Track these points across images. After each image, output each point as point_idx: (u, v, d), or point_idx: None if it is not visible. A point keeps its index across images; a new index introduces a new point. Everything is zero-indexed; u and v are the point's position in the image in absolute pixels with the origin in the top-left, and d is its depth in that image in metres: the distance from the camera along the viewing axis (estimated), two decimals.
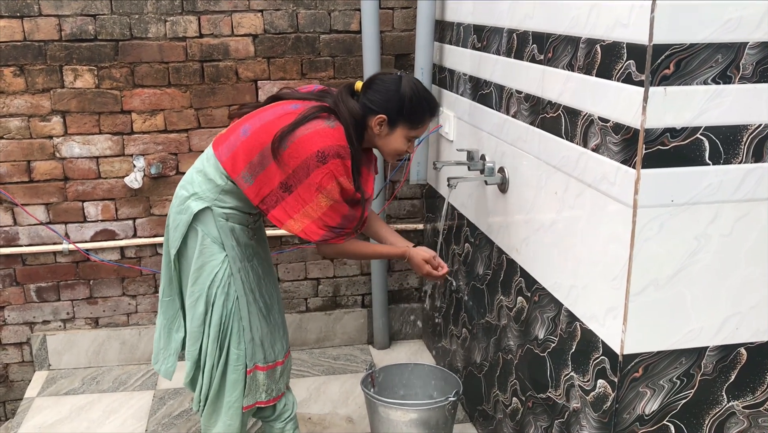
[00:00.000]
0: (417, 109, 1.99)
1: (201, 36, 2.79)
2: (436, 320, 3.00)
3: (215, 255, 2.06)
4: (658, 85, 1.40)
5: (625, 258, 1.52)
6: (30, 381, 3.00)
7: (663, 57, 1.39)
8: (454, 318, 2.76)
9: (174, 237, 2.10)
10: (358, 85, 2.03)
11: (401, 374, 2.54)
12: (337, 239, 2.03)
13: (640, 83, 1.42)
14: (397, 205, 3.13)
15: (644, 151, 1.44)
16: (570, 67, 1.70)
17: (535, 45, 1.89)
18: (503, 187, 2.14)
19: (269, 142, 1.93)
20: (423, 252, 2.13)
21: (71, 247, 2.90)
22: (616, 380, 1.59)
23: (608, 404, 1.63)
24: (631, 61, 1.45)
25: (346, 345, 3.25)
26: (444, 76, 2.70)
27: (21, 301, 2.96)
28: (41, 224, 2.88)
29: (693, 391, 1.60)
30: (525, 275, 2.04)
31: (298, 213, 1.97)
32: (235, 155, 1.99)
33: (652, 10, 1.36)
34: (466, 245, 2.54)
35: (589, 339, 1.69)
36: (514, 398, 2.19)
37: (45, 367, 3.04)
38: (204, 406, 2.18)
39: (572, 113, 1.70)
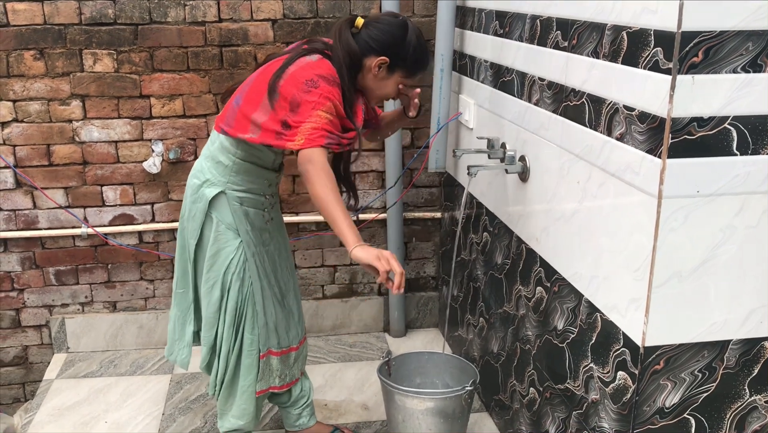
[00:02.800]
0: (419, 59, 1.98)
1: (220, 20, 2.78)
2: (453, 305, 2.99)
3: (230, 241, 2.06)
4: (686, 73, 1.37)
5: (648, 249, 1.50)
6: (49, 363, 3.03)
7: (691, 45, 1.36)
8: (471, 307, 2.74)
9: (192, 227, 2.10)
10: (360, 21, 1.97)
11: (417, 363, 2.53)
12: (337, 146, 1.91)
13: (667, 71, 1.39)
14: (415, 193, 3.11)
15: (670, 141, 1.41)
16: (595, 54, 1.67)
17: (558, 32, 1.86)
18: (524, 175, 2.12)
19: (265, 94, 1.92)
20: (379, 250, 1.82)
21: (90, 231, 2.92)
22: (636, 372, 1.57)
23: (628, 396, 1.61)
24: (659, 49, 1.42)
25: (362, 333, 3.25)
26: (464, 63, 2.67)
27: (40, 284, 2.98)
28: (60, 207, 2.89)
29: (715, 384, 1.58)
30: (545, 264, 2.02)
31: (297, 134, 1.86)
32: (237, 122, 1.98)
33: None
34: (485, 234, 2.52)
35: (610, 330, 1.67)
36: (531, 389, 2.18)
37: (63, 349, 3.07)
38: (220, 390, 2.19)
39: (596, 101, 1.67)
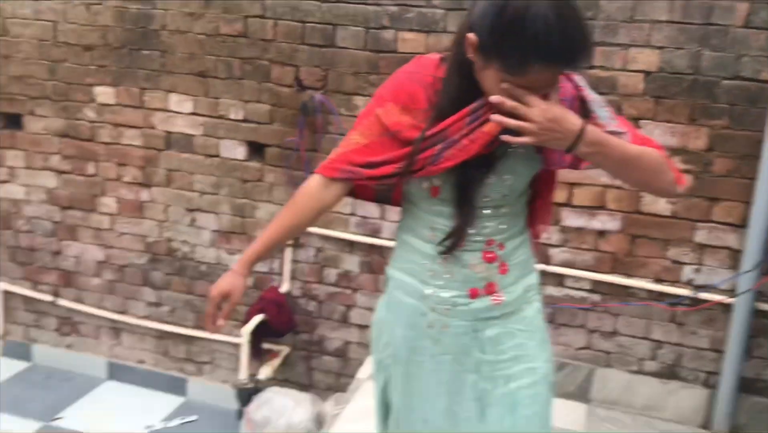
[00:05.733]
0: (510, 43, 1.22)
1: (590, 67, 2.71)
2: None
3: (375, 342, 1.69)
4: None
5: None
6: (363, 362, 3.24)
7: None
8: None
9: None
10: None
11: None
12: (351, 176, 1.48)
13: None
14: None
15: None
16: None
17: None
18: None
19: None
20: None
21: None
22: None
23: None
24: None
25: (676, 422, 2.91)
26: None
27: (372, 288, 3.20)
28: None
29: None
30: None
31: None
32: None
33: None
34: None
35: None
36: None
37: None
38: None
39: None
